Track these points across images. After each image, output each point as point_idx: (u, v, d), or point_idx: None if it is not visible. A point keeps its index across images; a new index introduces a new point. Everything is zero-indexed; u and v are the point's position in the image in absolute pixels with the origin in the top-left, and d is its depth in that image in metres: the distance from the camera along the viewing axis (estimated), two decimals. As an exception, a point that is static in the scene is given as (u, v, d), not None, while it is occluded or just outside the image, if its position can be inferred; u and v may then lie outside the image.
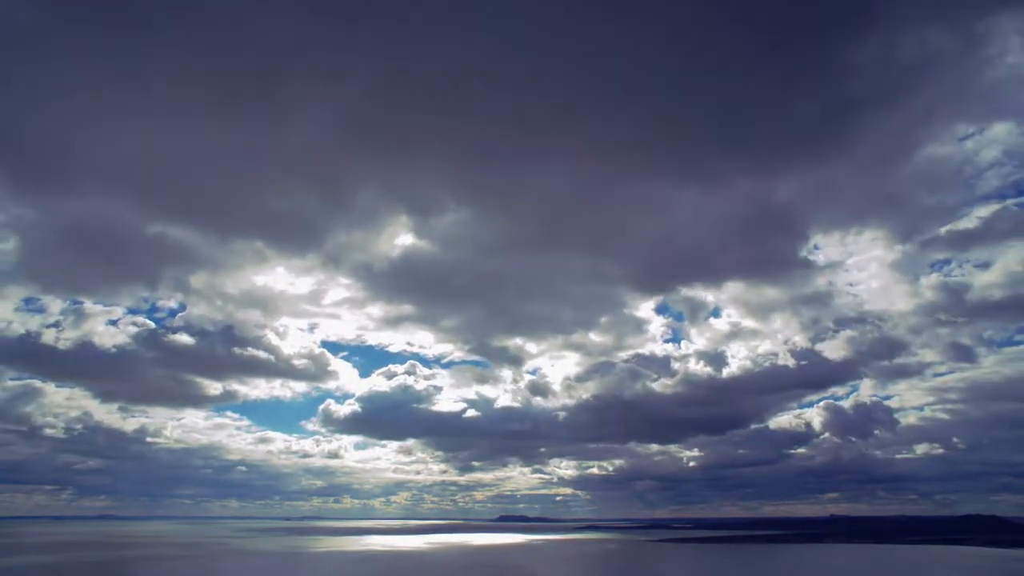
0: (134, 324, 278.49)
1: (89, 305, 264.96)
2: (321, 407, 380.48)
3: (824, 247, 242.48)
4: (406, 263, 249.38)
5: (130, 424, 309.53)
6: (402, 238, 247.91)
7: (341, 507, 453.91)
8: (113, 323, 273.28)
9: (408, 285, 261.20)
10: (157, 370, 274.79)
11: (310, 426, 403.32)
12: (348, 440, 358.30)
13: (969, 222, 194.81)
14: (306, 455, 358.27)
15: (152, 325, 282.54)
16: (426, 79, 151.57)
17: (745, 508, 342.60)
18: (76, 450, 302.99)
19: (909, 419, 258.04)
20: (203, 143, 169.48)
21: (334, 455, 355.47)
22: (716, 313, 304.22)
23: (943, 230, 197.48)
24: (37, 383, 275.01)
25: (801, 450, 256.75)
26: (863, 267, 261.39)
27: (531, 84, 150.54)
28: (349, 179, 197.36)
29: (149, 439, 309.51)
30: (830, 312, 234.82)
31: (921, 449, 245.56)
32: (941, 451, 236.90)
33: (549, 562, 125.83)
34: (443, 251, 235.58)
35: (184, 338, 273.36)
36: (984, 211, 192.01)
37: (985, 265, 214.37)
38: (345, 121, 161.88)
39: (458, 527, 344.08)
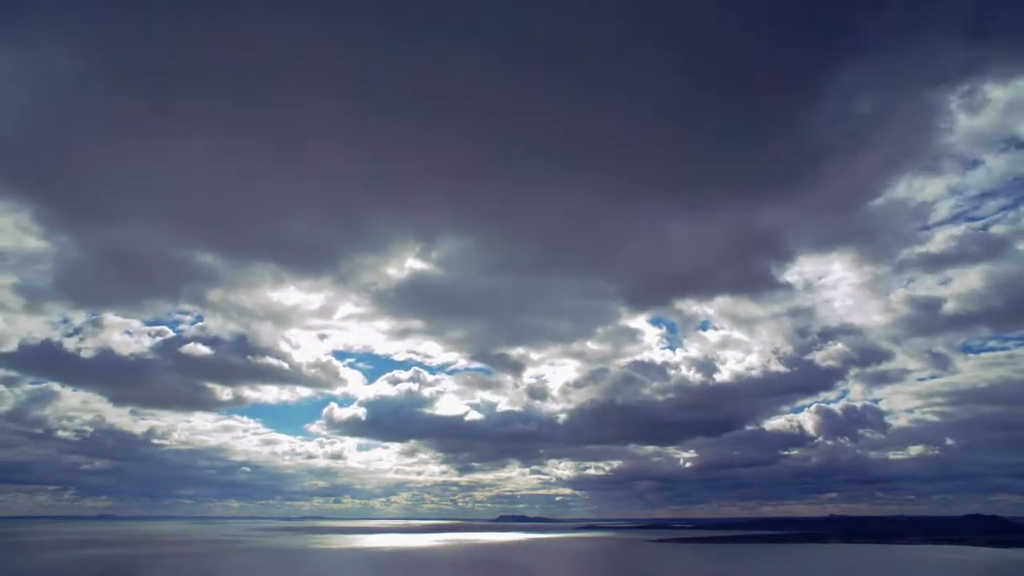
0: (151, 334, 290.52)
1: (110, 316, 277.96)
2: (326, 410, 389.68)
3: (802, 268, 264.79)
4: (413, 284, 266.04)
5: (140, 426, 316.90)
6: (410, 262, 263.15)
7: (342, 507, 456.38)
8: (131, 333, 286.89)
9: (415, 303, 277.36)
10: (171, 376, 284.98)
11: (315, 428, 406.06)
12: (352, 442, 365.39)
13: (927, 247, 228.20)
14: (310, 456, 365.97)
15: (170, 333, 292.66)
16: (434, 122, 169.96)
17: (744, 508, 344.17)
18: (84, 451, 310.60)
19: (900, 421, 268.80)
20: (226, 177, 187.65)
21: (337, 456, 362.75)
22: (705, 326, 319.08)
23: (905, 253, 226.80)
24: (56, 387, 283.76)
25: (796, 451, 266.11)
26: (837, 286, 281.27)
27: (530, 124, 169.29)
28: (361, 209, 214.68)
29: (156, 440, 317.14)
30: (813, 324, 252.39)
31: (914, 450, 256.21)
32: (933, 452, 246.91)
33: (555, 557, 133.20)
34: (448, 273, 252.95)
35: (199, 347, 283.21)
36: (940, 237, 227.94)
37: (947, 282, 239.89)
38: (358, 157, 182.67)
39: (458, 527, 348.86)
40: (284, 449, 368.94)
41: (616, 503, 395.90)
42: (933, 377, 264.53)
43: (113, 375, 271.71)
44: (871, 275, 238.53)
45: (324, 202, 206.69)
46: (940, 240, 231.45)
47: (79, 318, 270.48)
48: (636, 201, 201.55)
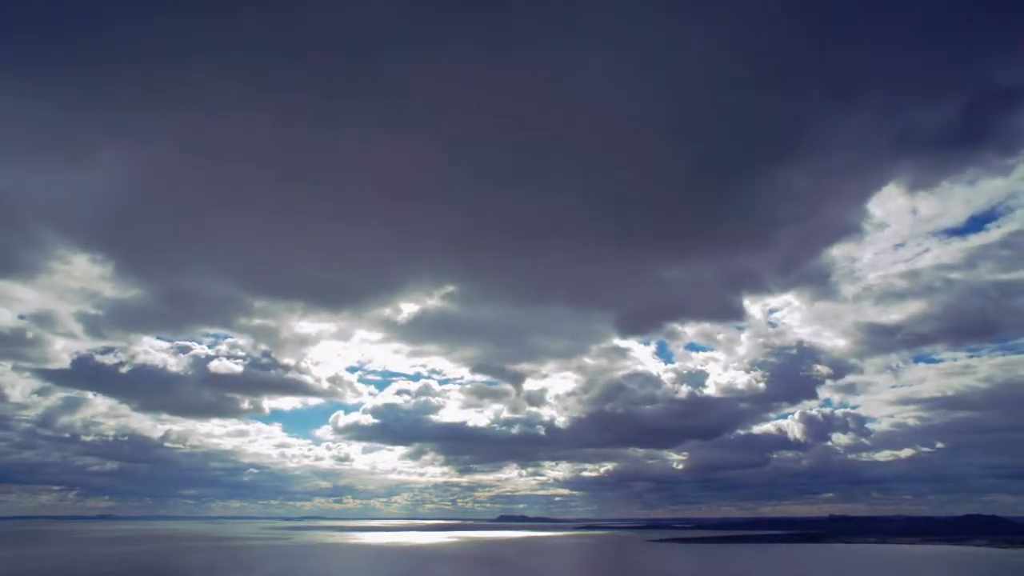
0: (182, 350, 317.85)
1: (149, 339, 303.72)
2: (336, 416, 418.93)
3: (767, 302, 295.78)
4: (424, 316, 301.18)
5: (157, 431, 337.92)
6: (421, 301, 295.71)
7: (343, 507, 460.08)
8: (165, 351, 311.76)
9: (425, 331, 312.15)
10: (195, 387, 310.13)
11: (325, 433, 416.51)
12: (358, 445, 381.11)
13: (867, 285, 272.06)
14: (317, 458, 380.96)
15: (200, 351, 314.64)
16: (449, 183, 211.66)
17: (742, 508, 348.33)
18: (99, 453, 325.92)
19: (880, 426, 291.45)
20: (267, 232, 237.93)
21: (343, 459, 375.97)
22: (693, 347, 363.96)
23: (849, 290, 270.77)
24: (89, 395, 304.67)
25: (788, 453, 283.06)
26: (801, 316, 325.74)
27: (535, 186, 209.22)
28: (382, 258, 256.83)
29: (169, 444, 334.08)
30: (785, 346, 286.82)
31: (898, 453, 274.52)
32: (915, 454, 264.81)
33: (562, 552, 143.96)
34: (457, 307, 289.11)
35: (225, 362, 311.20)
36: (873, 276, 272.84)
37: (886, 311, 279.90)
38: (382, 214, 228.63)
39: (460, 526, 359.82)
40: (293, 452, 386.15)
41: (615, 503, 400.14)
42: (903, 385, 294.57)
43: (143, 386, 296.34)
44: (824, 308, 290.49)
45: (351, 251, 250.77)
46: (875, 279, 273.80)
47: (125, 341, 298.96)
48: (628, 248, 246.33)
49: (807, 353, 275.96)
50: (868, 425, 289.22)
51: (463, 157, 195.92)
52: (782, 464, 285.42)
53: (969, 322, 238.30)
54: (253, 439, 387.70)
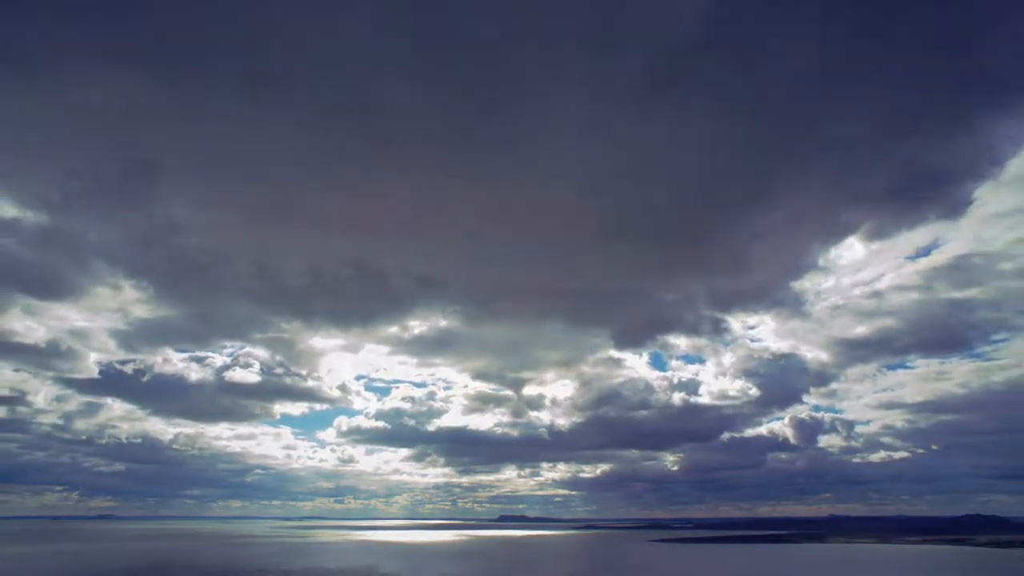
0: (199, 359, 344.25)
1: (171, 351, 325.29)
2: (341, 419, 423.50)
3: (747, 320, 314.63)
4: (430, 333, 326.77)
5: (168, 433, 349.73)
6: (428, 319, 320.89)
7: (343, 508, 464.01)
8: (185, 361, 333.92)
9: (432, 347, 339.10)
10: (211, 392, 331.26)
11: (329, 436, 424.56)
12: (361, 447, 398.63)
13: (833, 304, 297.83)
14: (321, 460, 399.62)
15: (217, 360, 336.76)
16: (462, 220, 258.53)
17: (740, 509, 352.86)
18: (108, 455, 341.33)
19: (869, 429, 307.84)
20: (286, 260, 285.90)
21: (346, 461, 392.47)
22: (688, 358, 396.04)
23: (817, 310, 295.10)
24: (108, 400, 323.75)
25: (782, 455, 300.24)
26: (773, 333, 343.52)
27: (538, 233, 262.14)
28: (399, 285, 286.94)
29: (177, 446, 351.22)
30: (769, 355, 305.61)
31: (889, 454, 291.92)
32: (906, 456, 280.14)
33: (568, 548, 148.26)
34: (463, 325, 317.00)
35: (239, 371, 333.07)
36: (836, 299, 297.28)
37: (856, 327, 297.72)
38: (400, 248, 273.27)
39: (461, 526, 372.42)
40: (298, 454, 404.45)
41: (615, 504, 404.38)
42: (885, 390, 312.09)
43: (160, 393, 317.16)
44: (798, 326, 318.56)
45: (365, 280, 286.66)
46: (841, 301, 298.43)
47: (151, 355, 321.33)
48: (626, 274, 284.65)
49: (791, 362, 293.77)
50: (858, 428, 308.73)
51: (472, 196, 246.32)
52: (778, 465, 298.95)
53: (935, 335, 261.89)
54: (260, 442, 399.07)
